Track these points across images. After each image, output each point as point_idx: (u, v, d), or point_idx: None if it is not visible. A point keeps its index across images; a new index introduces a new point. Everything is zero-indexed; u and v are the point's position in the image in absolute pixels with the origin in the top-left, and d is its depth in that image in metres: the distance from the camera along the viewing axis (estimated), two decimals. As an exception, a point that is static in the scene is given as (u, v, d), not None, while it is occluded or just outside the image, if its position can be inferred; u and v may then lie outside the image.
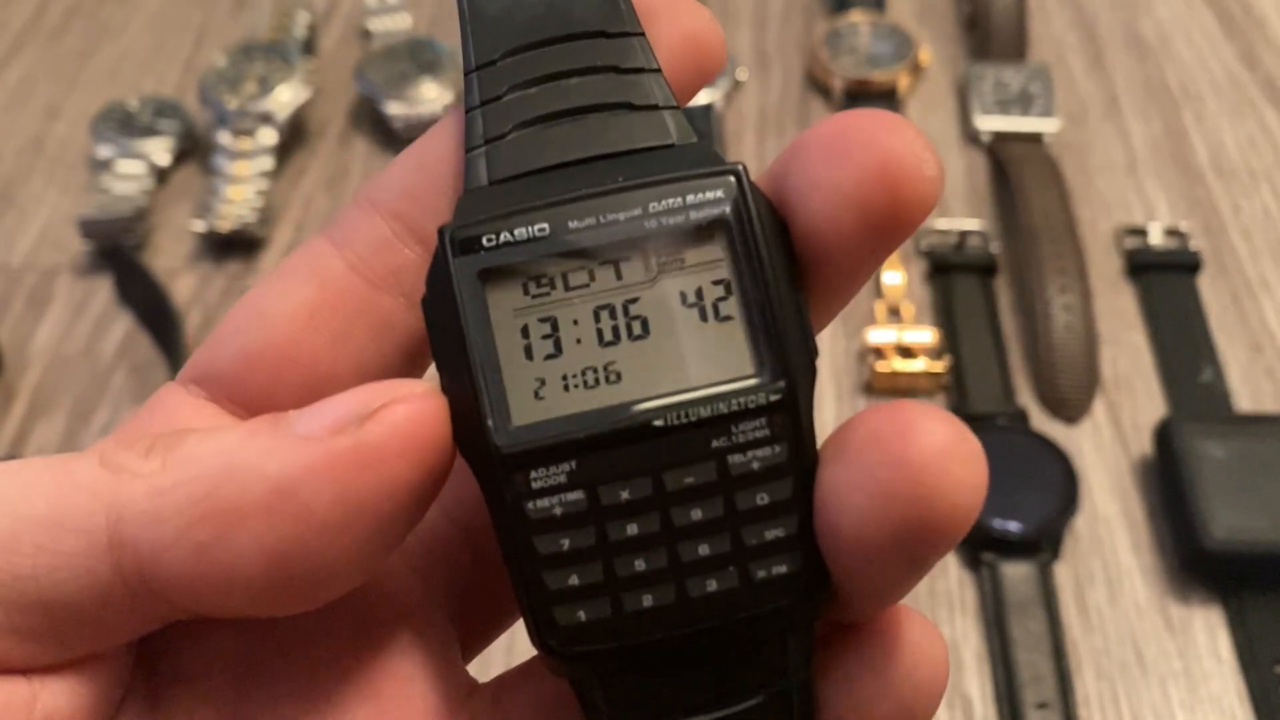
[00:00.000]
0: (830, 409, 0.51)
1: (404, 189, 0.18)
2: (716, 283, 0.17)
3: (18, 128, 0.64)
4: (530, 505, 0.16)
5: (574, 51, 0.18)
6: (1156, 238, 0.57)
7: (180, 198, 0.60)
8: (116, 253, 0.57)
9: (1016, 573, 0.45)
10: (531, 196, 0.17)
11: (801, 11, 0.70)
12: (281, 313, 0.18)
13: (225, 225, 0.56)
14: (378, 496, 0.16)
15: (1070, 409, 0.51)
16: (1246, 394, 0.51)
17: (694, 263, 0.17)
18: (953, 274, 0.55)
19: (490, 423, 0.16)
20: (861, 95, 0.63)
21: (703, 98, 0.62)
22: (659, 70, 0.18)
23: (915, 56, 0.65)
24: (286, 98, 0.60)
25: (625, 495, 0.16)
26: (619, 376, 0.16)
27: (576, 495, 0.16)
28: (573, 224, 0.17)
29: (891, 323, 0.53)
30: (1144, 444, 0.49)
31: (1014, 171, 0.58)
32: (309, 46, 0.67)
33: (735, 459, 0.16)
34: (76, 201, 0.59)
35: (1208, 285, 0.55)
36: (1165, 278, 0.55)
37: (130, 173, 0.59)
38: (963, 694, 0.43)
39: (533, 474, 0.16)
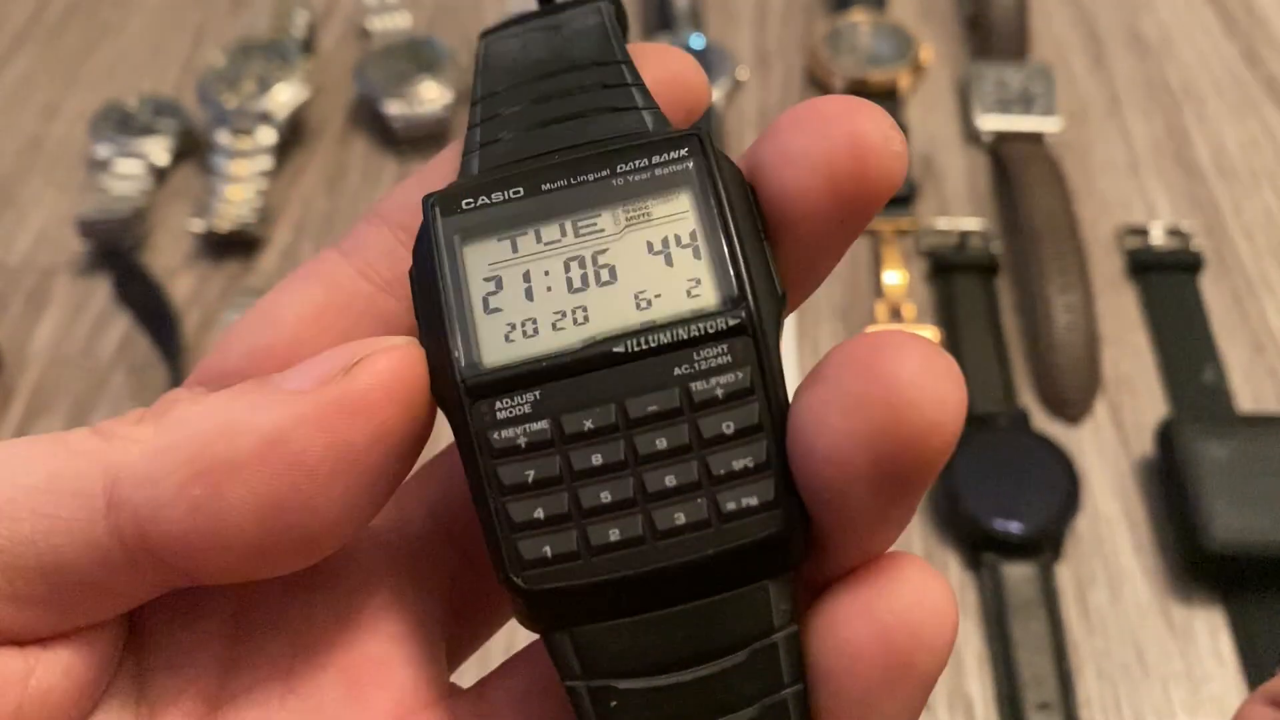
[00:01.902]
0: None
1: (409, 204, 0.19)
2: (682, 232, 0.17)
3: (16, 127, 0.64)
4: (495, 435, 0.16)
5: (568, 79, 0.19)
6: (1158, 237, 0.56)
7: (179, 197, 0.60)
8: (115, 253, 0.56)
9: (1018, 573, 0.45)
10: (512, 172, 0.18)
11: (802, 11, 0.70)
12: (290, 315, 0.19)
13: (224, 225, 0.56)
14: (366, 441, 0.16)
15: (1072, 409, 0.51)
16: (1248, 394, 0.51)
17: (660, 215, 0.17)
18: (954, 274, 0.55)
19: (457, 355, 0.17)
20: (862, 94, 0.63)
21: (703, 97, 0.62)
22: (642, 84, 0.19)
23: (916, 56, 0.65)
24: (285, 97, 0.60)
25: (589, 424, 0.16)
26: (587, 318, 0.17)
27: (541, 424, 0.16)
28: (545, 186, 0.18)
29: (893, 322, 0.53)
30: (1145, 444, 0.49)
31: (1015, 171, 0.58)
32: (308, 46, 0.67)
33: (698, 385, 0.16)
34: (75, 201, 0.59)
35: (1209, 285, 0.55)
36: (1167, 277, 0.55)
37: (129, 172, 0.59)
38: (964, 695, 0.43)
39: (497, 404, 0.16)
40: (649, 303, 0.17)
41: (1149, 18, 0.69)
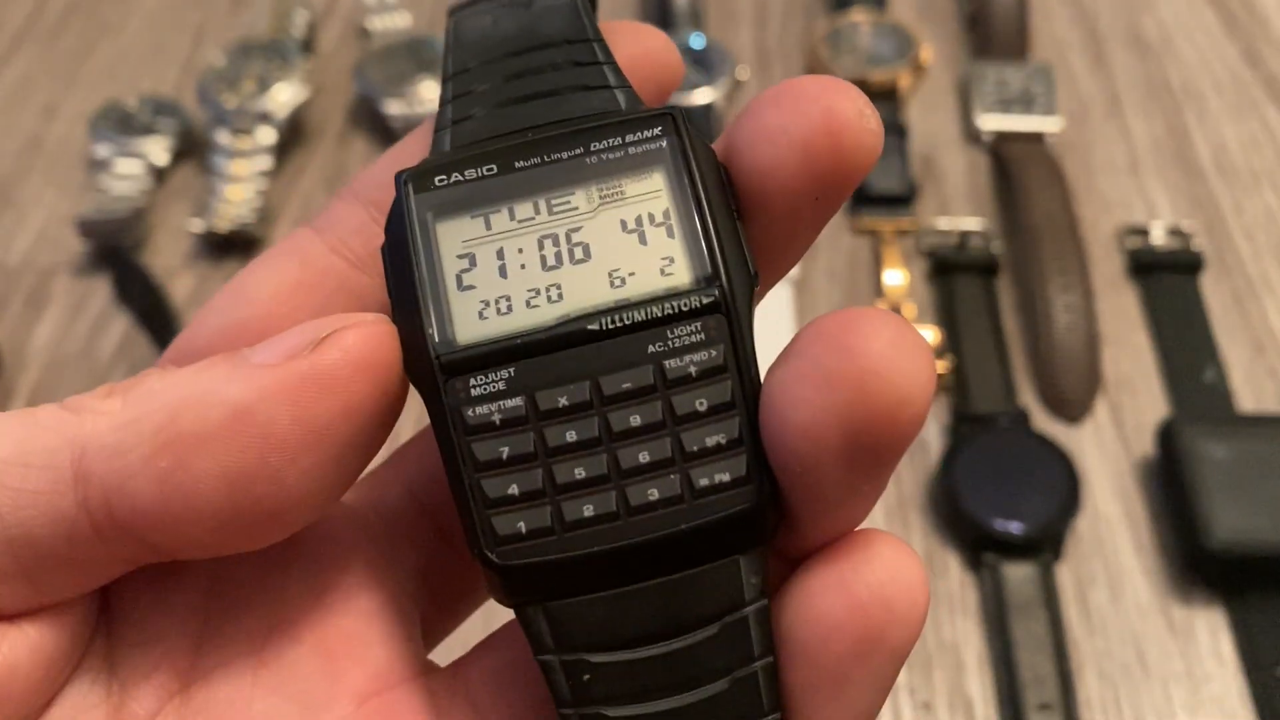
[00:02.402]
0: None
1: (383, 181, 0.19)
2: (655, 211, 0.17)
3: (16, 127, 0.64)
4: (470, 412, 0.16)
5: (539, 56, 0.19)
6: (1158, 237, 0.56)
7: (178, 197, 0.60)
8: (115, 252, 0.56)
9: (1018, 574, 0.45)
10: (484, 150, 0.18)
11: (802, 10, 0.70)
12: (262, 291, 0.19)
13: (224, 225, 0.56)
14: (334, 415, 0.16)
15: (1072, 409, 0.51)
16: (1249, 394, 0.51)
17: (633, 194, 0.17)
18: (954, 274, 0.55)
19: (431, 332, 0.16)
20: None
21: (703, 97, 0.62)
22: (614, 62, 0.19)
23: (916, 55, 0.65)
24: (285, 97, 0.60)
25: (563, 400, 0.16)
26: (561, 295, 0.17)
27: (515, 401, 0.16)
28: (519, 163, 0.17)
29: (892, 323, 0.53)
30: (1146, 444, 0.49)
31: (1015, 171, 0.58)
32: (308, 45, 0.67)
33: (672, 363, 0.16)
34: (75, 201, 0.59)
35: (1210, 285, 0.55)
36: (1167, 277, 0.55)
37: (128, 172, 0.59)
38: (964, 695, 0.43)
39: (472, 380, 0.16)
40: (623, 281, 0.17)
41: (1149, 17, 0.69)
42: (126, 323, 0.54)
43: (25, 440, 0.16)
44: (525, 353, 0.16)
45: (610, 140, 0.18)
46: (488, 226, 0.17)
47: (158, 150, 0.60)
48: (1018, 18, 0.66)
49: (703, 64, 0.64)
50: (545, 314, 0.17)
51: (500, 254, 0.17)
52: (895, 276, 0.55)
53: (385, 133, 0.62)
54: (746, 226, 0.17)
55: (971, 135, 0.62)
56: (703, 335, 0.17)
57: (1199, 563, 0.45)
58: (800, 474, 0.16)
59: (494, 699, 0.18)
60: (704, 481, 0.16)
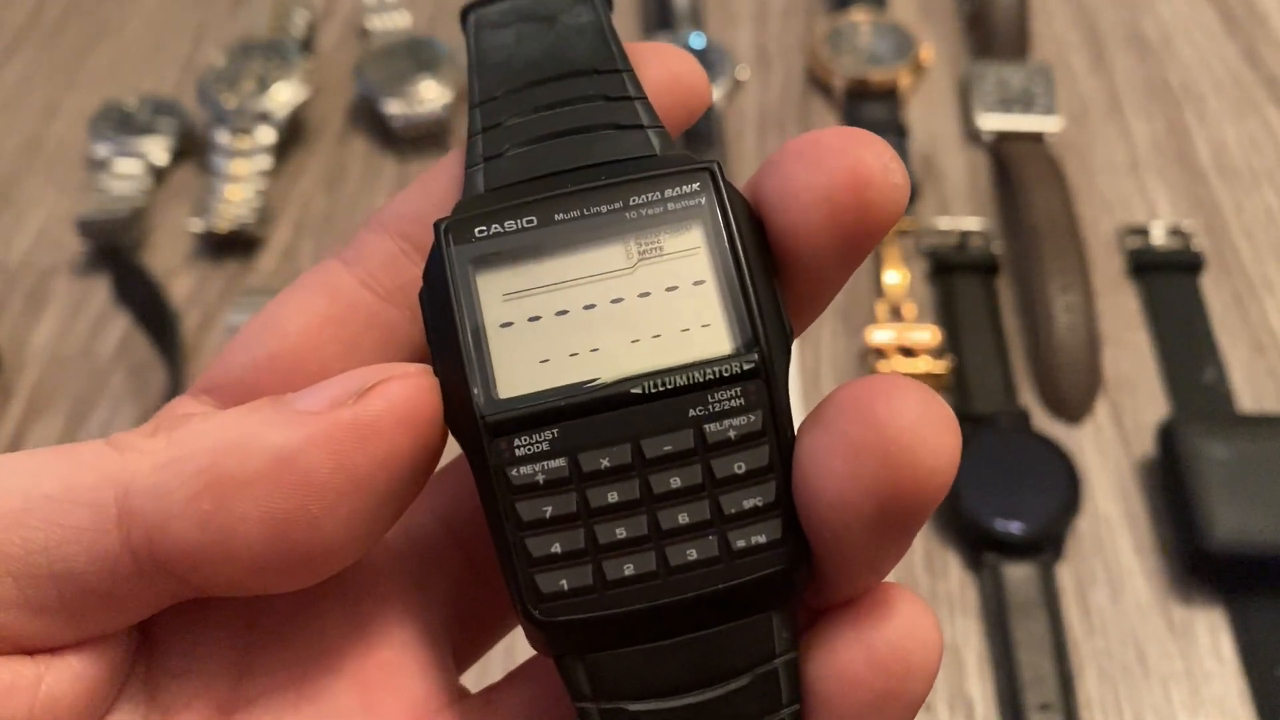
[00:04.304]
0: (831, 409, 0.51)
1: (410, 213, 0.19)
2: (695, 270, 0.17)
3: (15, 127, 0.64)
4: (514, 472, 0.17)
5: (568, 86, 0.19)
6: (1159, 237, 0.56)
7: (178, 197, 0.60)
8: (114, 252, 0.56)
9: (1018, 574, 0.45)
10: (522, 196, 0.18)
11: (802, 10, 0.70)
12: (294, 324, 0.19)
13: (223, 225, 0.56)
14: (374, 466, 0.16)
15: (1072, 409, 0.51)
16: (1249, 394, 0.51)
17: (672, 251, 0.18)
18: (954, 274, 0.55)
19: (476, 392, 0.17)
20: (862, 94, 0.63)
21: (703, 97, 0.62)
22: (645, 98, 0.19)
23: (916, 55, 0.65)
24: (285, 97, 0.60)
25: (605, 462, 0.17)
26: (602, 355, 0.17)
27: (559, 462, 0.17)
28: (558, 216, 0.18)
29: (893, 322, 0.53)
30: (1146, 444, 0.49)
31: (1016, 170, 0.58)
32: (308, 45, 0.67)
33: (712, 427, 0.17)
34: (74, 201, 0.59)
35: (1210, 285, 0.55)
36: (1167, 277, 0.55)
37: (128, 172, 0.59)
38: (964, 696, 0.43)
39: (516, 441, 0.17)
40: (664, 342, 0.17)
41: (1149, 17, 0.69)
42: (126, 323, 0.54)
43: (70, 476, 0.16)
44: (568, 414, 0.17)
45: (650, 195, 0.18)
46: (529, 281, 0.17)
47: (157, 150, 0.60)
48: (1018, 18, 0.66)
49: (702, 64, 0.64)
50: (586, 372, 0.17)
51: (541, 310, 0.17)
52: (895, 276, 0.55)
53: (385, 132, 0.62)
54: (780, 281, 0.18)
55: (971, 135, 0.62)
56: (742, 400, 0.17)
57: (1199, 563, 0.45)
58: (830, 538, 0.16)
59: None
60: (741, 543, 0.17)
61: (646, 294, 0.17)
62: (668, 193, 0.18)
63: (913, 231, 0.58)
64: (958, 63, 0.66)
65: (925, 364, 0.51)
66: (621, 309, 0.17)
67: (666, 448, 0.17)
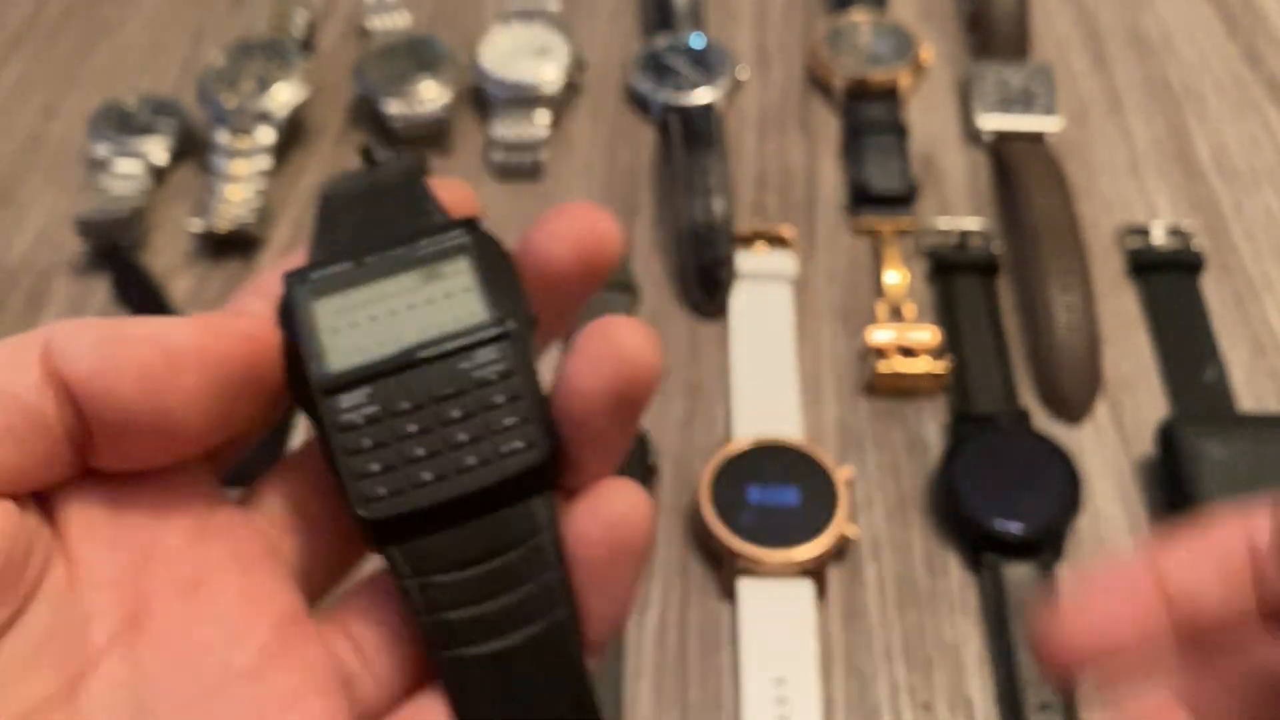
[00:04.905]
0: (832, 409, 0.51)
1: (271, 286, 0.26)
2: (465, 281, 0.25)
3: (15, 127, 0.64)
4: (341, 418, 0.23)
5: (384, 198, 0.27)
6: (1159, 237, 0.56)
7: (178, 197, 0.60)
8: (114, 252, 0.56)
9: (1018, 574, 0.45)
10: (343, 255, 0.26)
11: (802, 10, 0.70)
12: (162, 326, 0.24)
13: (223, 225, 0.56)
14: (221, 354, 0.23)
15: (1072, 409, 0.51)
16: (1249, 394, 0.51)
17: (448, 273, 0.25)
18: (954, 273, 0.55)
19: (312, 367, 0.24)
20: (862, 94, 0.63)
21: (704, 97, 0.62)
22: (434, 199, 0.26)
23: (916, 55, 0.65)
24: (285, 96, 0.60)
25: (405, 404, 0.23)
26: (401, 339, 0.24)
27: (373, 408, 0.23)
28: (368, 259, 0.25)
29: (893, 322, 0.53)
30: (1146, 444, 0.49)
31: (1016, 170, 0.58)
32: (307, 45, 0.67)
33: (478, 373, 0.24)
34: (74, 201, 0.59)
35: (1210, 285, 0.55)
36: (1168, 277, 0.55)
37: (128, 172, 0.59)
38: (964, 696, 0.43)
39: (341, 397, 0.24)
40: (444, 324, 0.24)
41: (1150, 17, 0.69)
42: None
43: (13, 339, 0.22)
44: (377, 375, 0.24)
45: (430, 239, 0.25)
46: (349, 302, 0.24)
47: (157, 150, 0.60)
48: (1018, 18, 0.66)
49: (703, 64, 0.64)
50: (390, 349, 0.24)
51: (359, 319, 0.24)
52: (895, 276, 0.55)
53: (385, 133, 0.62)
54: (528, 287, 0.25)
55: (971, 135, 0.62)
56: (497, 354, 0.24)
57: (1199, 563, 0.45)
58: (581, 427, 0.23)
59: (360, 626, 0.24)
60: (504, 449, 0.23)
61: (432, 300, 0.24)
62: (442, 237, 0.25)
63: (912, 232, 0.58)
64: (958, 63, 0.66)
65: (925, 364, 0.51)
66: (415, 311, 0.24)
67: (448, 389, 0.24)
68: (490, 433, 0.23)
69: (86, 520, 0.23)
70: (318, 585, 0.26)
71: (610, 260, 0.25)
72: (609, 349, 0.23)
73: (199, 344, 0.22)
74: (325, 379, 0.24)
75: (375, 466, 0.23)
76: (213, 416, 0.23)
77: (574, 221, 0.25)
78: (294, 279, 0.25)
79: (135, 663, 0.22)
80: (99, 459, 0.23)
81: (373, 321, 0.24)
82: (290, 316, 0.25)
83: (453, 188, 0.27)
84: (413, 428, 0.23)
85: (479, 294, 0.25)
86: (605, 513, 0.24)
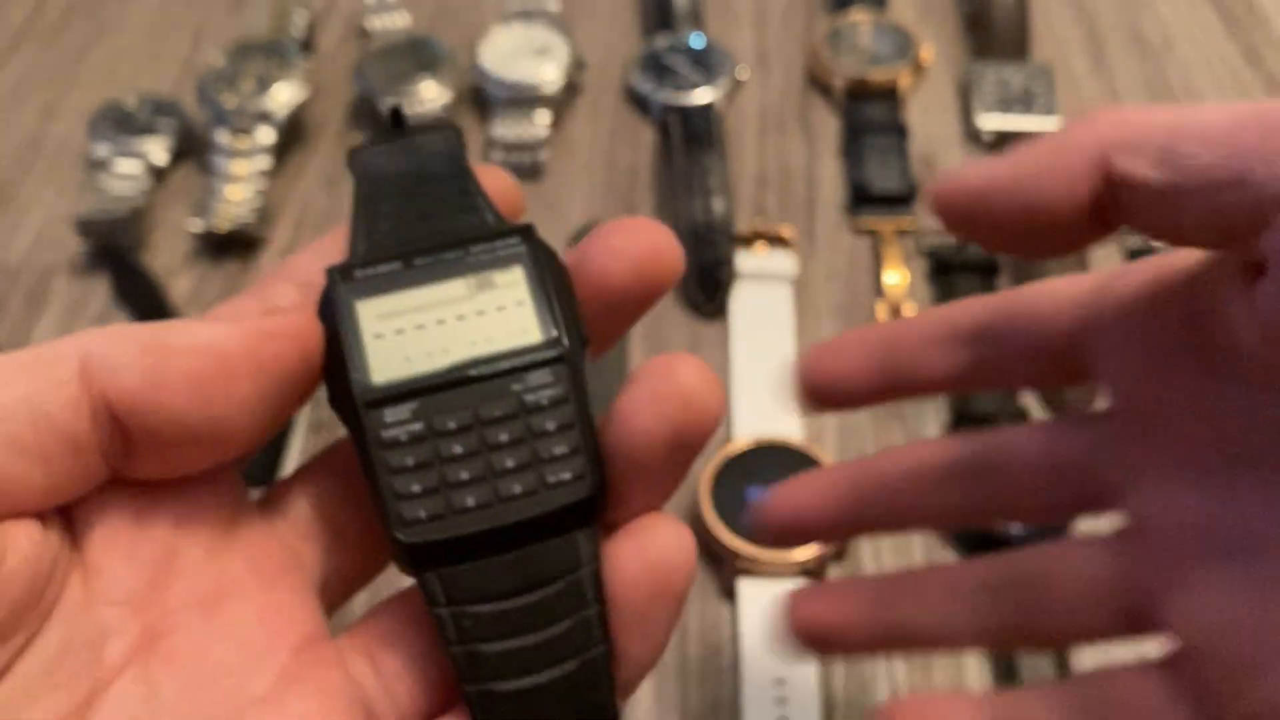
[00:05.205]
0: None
1: (309, 268, 0.25)
2: (518, 293, 0.24)
3: (14, 127, 0.64)
4: (384, 434, 0.22)
5: (428, 187, 0.26)
6: (1159, 237, 0.56)
7: (178, 197, 0.60)
8: (114, 252, 0.56)
9: (1018, 574, 0.45)
10: (391, 252, 0.24)
11: (802, 10, 0.70)
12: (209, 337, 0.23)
13: (223, 225, 0.56)
14: (271, 359, 0.22)
15: (1072, 409, 0.50)
16: (1249, 394, 0.51)
17: (500, 283, 0.24)
18: (954, 274, 0.55)
19: (355, 377, 0.23)
20: (862, 94, 0.63)
21: (704, 97, 0.62)
22: (484, 193, 0.25)
23: (916, 55, 0.65)
24: (285, 97, 0.60)
25: (452, 424, 0.23)
26: (449, 352, 0.23)
27: (418, 425, 0.22)
28: (417, 262, 0.24)
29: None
30: (1146, 444, 0.49)
31: (1015, 171, 0.58)
32: (307, 45, 0.67)
33: (529, 397, 0.23)
34: (73, 201, 0.59)
35: (1210, 285, 0.55)
36: (1168, 277, 0.55)
37: (127, 172, 0.59)
38: (964, 696, 0.43)
39: (386, 411, 0.23)
40: (495, 343, 0.23)
41: (1150, 17, 0.69)
42: (125, 323, 0.54)
43: (39, 352, 0.21)
44: (424, 391, 0.23)
45: (484, 246, 0.24)
46: (395, 306, 0.23)
47: (157, 150, 0.60)
48: (1018, 18, 0.66)
49: (703, 64, 0.64)
50: (438, 363, 0.23)
51: (404, 326, 0.23)
52: (895, 276, 0.55)
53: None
54: (580, 306, 0.24)
55: (972, 135, 0.62)
56: (551, 378, 0.23)
57: (1199, 563, 0.45)
58: (634, 465, 0.23)
59: (383, 651, 0.24)
60: (552, 479, 0.22)
61: (482, 312, 0.23)
62: (497, 244, 0.24)
63: (913, 231, 0.58)
64: (958, 63, 0.66)
65: (925, 364, 0.51)
66: (464, 323, 0.23)
67: (497, 412, 0.23)
68: (538, 461, 0.22)
69: (108, 529, 0.22)
70: (338, 595, 0.25)
71: (671, 280, 0.24)
72: (671, 388, 0.22)
73: (251, 349, 0.22)
74: (369, 390, 0.23)
75: (416, 488, 0.22)
76: (264, 421, 0.22)
77: (634, 238, 0.24)
78: (338, 275, 0.24)
79: (150, 683, 0.21)
80: (135, 469, 0.22)
81: (420, 330, 0.23)
82: (332, 315, 0.23)
83: (494, 177, 0.26)
84: (458, 449, 0.22)
85: (533, 309, 0.23)
86: (649, 552, 0.23)
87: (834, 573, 0.46)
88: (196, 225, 0.56)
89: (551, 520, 0.22)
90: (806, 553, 0.44)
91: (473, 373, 0.23)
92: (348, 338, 0.23)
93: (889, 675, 0.44)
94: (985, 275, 0.55)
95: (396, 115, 0.27)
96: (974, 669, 0.44)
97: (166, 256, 0.57)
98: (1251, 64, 0.66)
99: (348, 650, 0.24)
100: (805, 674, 0.43)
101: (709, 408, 0.22)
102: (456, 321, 0.23)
